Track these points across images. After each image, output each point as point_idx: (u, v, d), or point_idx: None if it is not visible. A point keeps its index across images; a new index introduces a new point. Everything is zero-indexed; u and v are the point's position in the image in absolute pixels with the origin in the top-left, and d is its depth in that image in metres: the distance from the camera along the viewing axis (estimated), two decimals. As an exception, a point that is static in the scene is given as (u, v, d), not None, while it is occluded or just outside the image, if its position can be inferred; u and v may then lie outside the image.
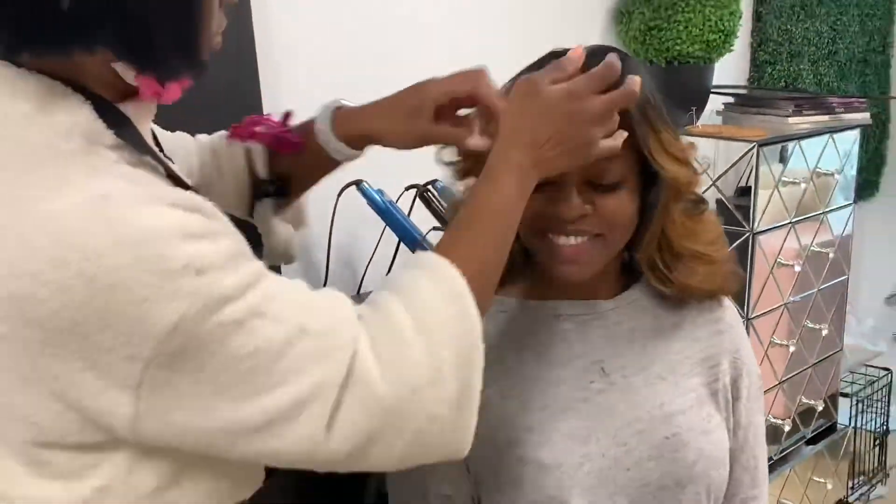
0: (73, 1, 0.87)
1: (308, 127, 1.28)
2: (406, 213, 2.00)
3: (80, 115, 0.92)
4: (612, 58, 1.08)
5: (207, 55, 1.02)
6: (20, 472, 0.93)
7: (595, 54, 1.16)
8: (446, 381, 0.96)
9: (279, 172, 1.31)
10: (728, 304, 1.38)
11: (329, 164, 1.31)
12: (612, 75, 1.07)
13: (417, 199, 2.03)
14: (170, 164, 1.03)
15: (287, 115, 1.33)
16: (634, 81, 1.08)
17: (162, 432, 0.92)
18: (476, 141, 1.15)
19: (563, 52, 1.19)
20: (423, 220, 2.01)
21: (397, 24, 2.29)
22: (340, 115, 1.26)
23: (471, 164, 1.23)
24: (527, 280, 1.33)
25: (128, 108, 0.99)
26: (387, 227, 1.99)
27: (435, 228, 1.99)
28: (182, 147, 1.29)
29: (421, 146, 1.24)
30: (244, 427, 0.91)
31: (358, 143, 1.27)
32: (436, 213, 2.01)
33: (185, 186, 1.01)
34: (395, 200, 1.99)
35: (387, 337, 0.96)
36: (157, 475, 0.95)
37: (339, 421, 0.92)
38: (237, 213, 1.24)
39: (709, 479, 1.26)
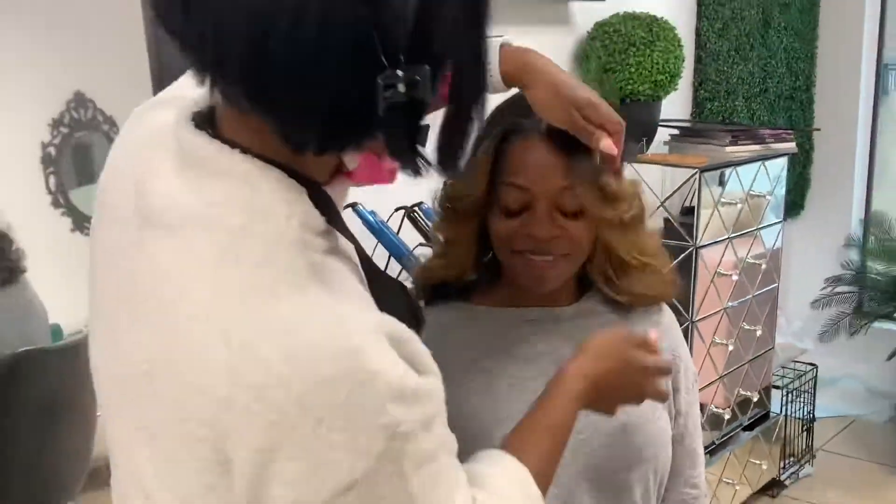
0: (385, 109, 0.71)
1: None
2: (395, 231, 2.00)
3: (302, 205, 0.78)
4: (653, 335, 1.11)
5: None
6: None
7: None
8: None
9: None
10: (667, 309, 1.37)
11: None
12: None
13: (405, 219, 2.02)
14: (356, 242, 0.90)
15: None
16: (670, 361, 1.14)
17: None
18: (608, 143, 1.11)
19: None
20: (410, 237, 2.00)
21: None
22: (506, 54, 1.15)
23: (477, 203, 1.22)
24: (495, 291, 1.32)
25: (333, 189, 0.85)
26: (379, 244, 1.98)
27: (420, 244, 1.98)
28: None
29: (557, 123, 1.14)
30: None
31: (510, 83, 1.16)
32: (421, 232, 2.01)
33: (368, 261, 0.90)
34: (386, 220, 1.98)
35: None
36: None
37: None
38: None
39: (655, 460, 1.26)
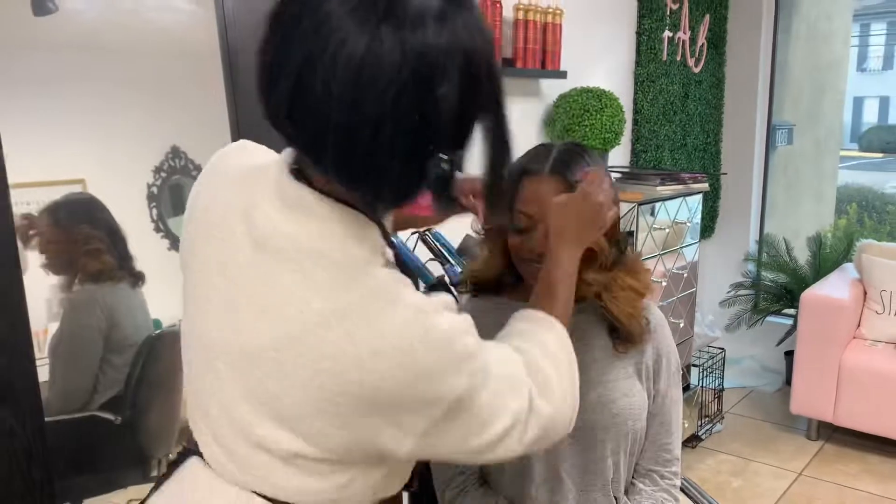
0: (434, 183, 0.77)
1: None
2: (412, 248, 2.00)
3: (377, 238, 0.83)
4: (589, 171, 1.13)
5: None
6: (280, 469, 0.84)
7: (566, 144, 1.23)
8: (569, 397, 0.95)
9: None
10: (655, 310, 1.33)
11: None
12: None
13: (419, 240, 2.03)
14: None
15: None
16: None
17: (420, 455, 0.84)
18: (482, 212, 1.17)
19: (551, 145, 1.22)
20: (422, 254, 2.01)
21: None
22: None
23: (492, 233, 1.26)
24: (519, 289, 1.32)
25: (386, 223, 0.88)
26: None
27: (430, 260, 1.98)
28: None
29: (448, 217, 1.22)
30: (479, 450, 0.85)
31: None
32: (431, 249, 2.01)
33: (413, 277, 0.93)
34: (405, 241, 1.99)
35: (540, 378, 0.92)
36: (380, 472, 0.89)
37: (527, 436, 0.88)
38: None
39: (626, 427, 1.25)
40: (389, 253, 0.86)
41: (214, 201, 0.88)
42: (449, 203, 0.81)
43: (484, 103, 0.80)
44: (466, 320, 0.83)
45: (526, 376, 0.89)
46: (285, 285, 0.79)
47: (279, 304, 0.79)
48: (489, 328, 1.29)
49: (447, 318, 0.80)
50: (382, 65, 0.71)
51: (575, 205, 1.09)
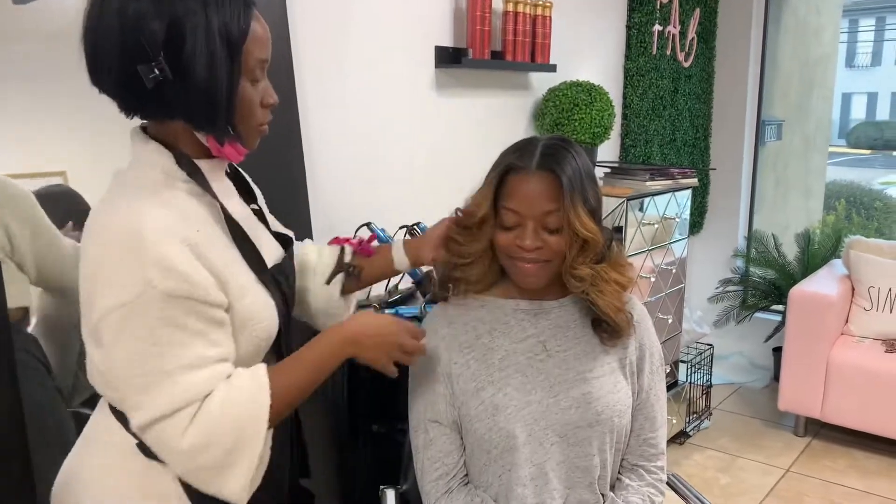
0: (154, 87, 0.96)
1: (385, 247, 1.37)
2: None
3: (165, 161, 1.03)
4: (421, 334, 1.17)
5: (254, 136, 1.08)
6: None
7: (552, 139, 1.22)
8: (213, 448, 0.99)
9: (358, 264, 1.37)
10: (637, 304, 1.34)
11: (389, 271, 1.38)
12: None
13: (407, 234, 2.02)
14: (225, 205, 1.08)
15: (370, 238, 1.41)
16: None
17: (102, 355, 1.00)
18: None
19: (536, 140, 1.22)
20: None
21: (390, 112, 2.29)
22: (409, 245, 1.36)
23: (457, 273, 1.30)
24: (500, 285, 1.33)
25: (202, 163, 1.06)
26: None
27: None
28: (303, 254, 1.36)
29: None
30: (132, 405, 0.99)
31: (416, 261, 1.35)
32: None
33: (237, 226, 1.08)
34: (392, 235, 1.98)
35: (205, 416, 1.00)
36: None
37: (179, 439, 0.98)
38: (321, 283, 1.34)
39: (611, 423, 1.25)
40: (207, 197, 1.05)
41: None
42: (214, 132, 1.03)
43: (175, 12, 0.95)
44: (193, 284, 0.97)
45: (198, 396, 0.98)
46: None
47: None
48: (469, 325, 1.30)
49: (176, 253, 0.95)
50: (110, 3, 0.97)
51: (381, 331, 1.13)
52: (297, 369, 1.07)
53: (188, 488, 1.02)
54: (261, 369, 1.04)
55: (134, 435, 1.01)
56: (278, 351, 1.15)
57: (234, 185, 1.20)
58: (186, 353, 0.97)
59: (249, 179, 1.25)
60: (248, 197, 1.22)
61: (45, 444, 1.25)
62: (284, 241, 1.25)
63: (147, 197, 0.99)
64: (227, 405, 0.99)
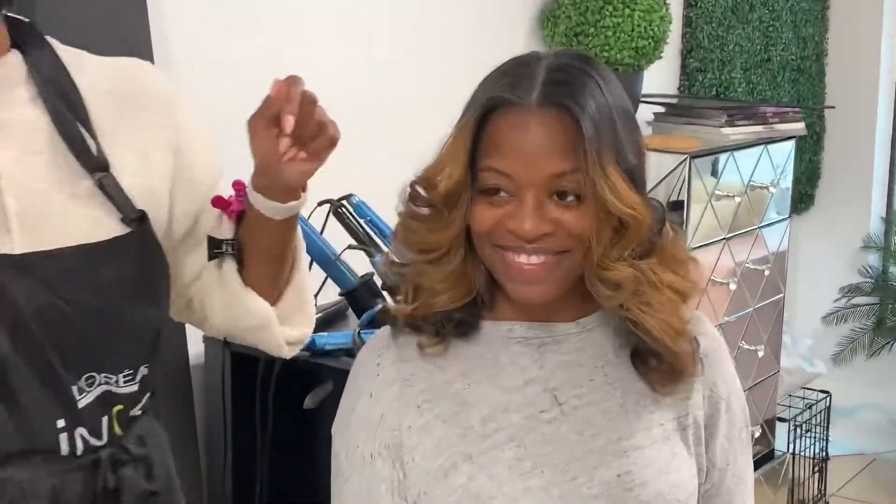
0: None
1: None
2: (319, 230, 1.99)
3: None
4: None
5: None
6: None
7: (562, 54, 1.22)
8: None
9: (238, 237, 1.40)
10: (706, 327, 1.33)
11: (273, 226, 1.39)
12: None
13: (331, 214, 2.02)
14: None
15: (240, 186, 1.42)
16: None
17: None
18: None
19: (538, 57, 1.22)
20: (337, 237, 2.00)
21: (292, 22, 2.29)
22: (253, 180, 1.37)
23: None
24: (495, 300, 1.31)
25: None
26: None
27: (351, 247, 1.97)
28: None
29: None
30: None
31: (278, 192, 1.35)
32: (351, 230, 2.00)
33: None
34: (306, 217, 1.98)
35: None
36: None
37: None
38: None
39: None
40: None
41: None
42: None
43: None
44: None
45: None
46: None
47: None
48: (443, 364, 1.29)
49: None
50: None
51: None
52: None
53: None
54: None
55: None
56: None
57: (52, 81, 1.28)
58: None
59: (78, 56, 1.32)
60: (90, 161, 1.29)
61: None
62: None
63: None
64: None
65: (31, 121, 1.27)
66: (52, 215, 1.27)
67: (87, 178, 1.29)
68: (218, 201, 1.42)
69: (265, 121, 1.26)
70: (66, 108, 1.29)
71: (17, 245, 1.22)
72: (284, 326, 1.45)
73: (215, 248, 1.41)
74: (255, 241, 1.41)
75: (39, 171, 1.27)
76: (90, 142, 1.31)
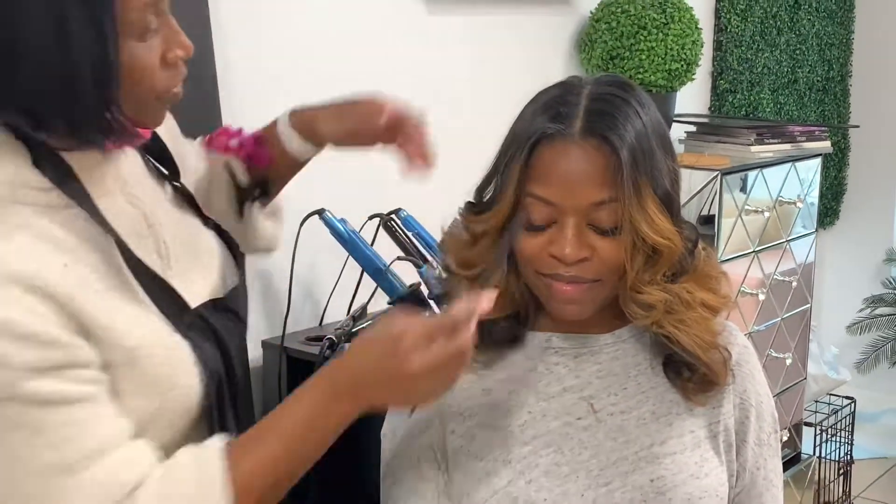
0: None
1: (272, 133, 1.41)
2: (370, 242, 2.00)
3: (12, 163, 1.03)
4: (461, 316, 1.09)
5: (156, 109, 1.12)
6: None
7: (602, 83, 1.22)
8: None
9: (257, 179, 1.42)
10: (737, 337, 1.33)
11: (298, 163, 1.43)
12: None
13: (381, 228, 2.03)
14: (102, 213, 1.08)
15: (258, 137, 1.43)
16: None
17: None
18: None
19: (580, 85, 1.22)
20: (387, 249, 2.00)
21: (355, 42, 2.30)
22: (298, 119, 1.41)
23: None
24: (536, 313, 1.31)
25: (72, 157, 1.06)
26: (350, 257, 1.99)
27: (399, 258, 1.98)
28: (194, 154, 1.42)
29: (364, 147, 1.43)
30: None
31: (315, 139, 1.41)
32: (400, 243, 2.01)
33: (112, 233, 1.08)
34: (358, 230, 1.98)
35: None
36: None
37: None
38: (229, 219, 1.38)
39: None
40: (77, 209, 1.05)
41: None
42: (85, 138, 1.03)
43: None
44: (53, 345, 0.98)
45: (119, 493, 1.01)
46: None
47: None
48: (484, 373, 1.28)
49: (24, 309, 0.97)
50: None
51: (407, 373, 1.07)
52: (270, 443, 1.08)
53: None
54: (212, 448, 1.06)
55: None
56: (213, 429, 1.14)
57: (146, 154, 1.24)
58: (85, 433, 1.00)
59: (162, 136, 1.27)
60: (166, 169, 1.27)
61: None
62: (231, 243, 1.30)
63: None
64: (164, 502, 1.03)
65: (131, 156, 1.22)
66: (192, 246, 1.24)
67: (167, 186, 1.27)
68: (222, 146, 1.43)
69: (388, 105, 1.35)
70: None
71: (187, 289, 1.16)
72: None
73: (246, 194, 1.42)
74: (277, 179, 1.46)
75: (166, 204, 1.25)
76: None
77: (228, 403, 1.17)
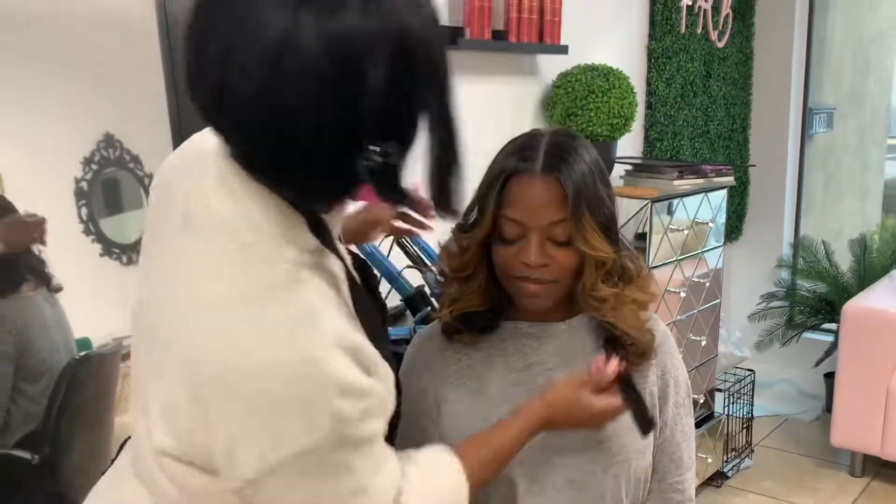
0: (366, 173, 0.82)
1: None
2: (386, 254, 1.99)
3: (298, 230, 0.88)
4: (601, 365, 1.17)
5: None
6: (151, 464, 0.90)
7: (555, 134, 1.21)
8: None
9: None
10: (659, 325, 1.32)
11: None
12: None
13: (394, 244, 2.02)
14: (346, 257, 0.99)
15: None
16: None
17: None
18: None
19: (539, 135, 1.21)
20: (399, 260, 2.00)
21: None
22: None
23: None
24: (508, 308, 1.31)
25: (329, 218, 0.94)
26: (372, 267, 1.97)
27: (408, 266, 1.97)
28: None
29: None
30: None
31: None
32: (408, 255, 2.00)
33: (355, 282, 0.97)
34: (377, 245, 1.97)
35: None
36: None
37: None
38: None
39: (628, 465, 1.24)
40: (332, 259, 0.93)
41: (167, 194, 0.96)
42: (394, 195, 0.85)
43: (422, 91, 0.82)
44: (367, 393, 0.87)
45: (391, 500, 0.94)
46: (192, 260, 0.86)
47: (180, 279, 0.86)
48: (468, 351, 1.27)
49: (345, 367, 0.84)
50: (301, 53, 0.74)
51: (584, 415, 1.16)
52: (493, 445, 1.11)
53: None
54: (448, 457, 1.05)
55: None
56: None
57: None
58: (375, 456, 0.92)
59: None
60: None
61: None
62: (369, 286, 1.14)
63: (289, 286, 0.85)
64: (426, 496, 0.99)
65: None
66: None
67: None
68: None
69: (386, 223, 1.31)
70: None
71: None
72: None
73: None
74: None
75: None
76: None
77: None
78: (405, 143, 0.83)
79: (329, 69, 0.75)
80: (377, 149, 0.79)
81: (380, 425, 0.91)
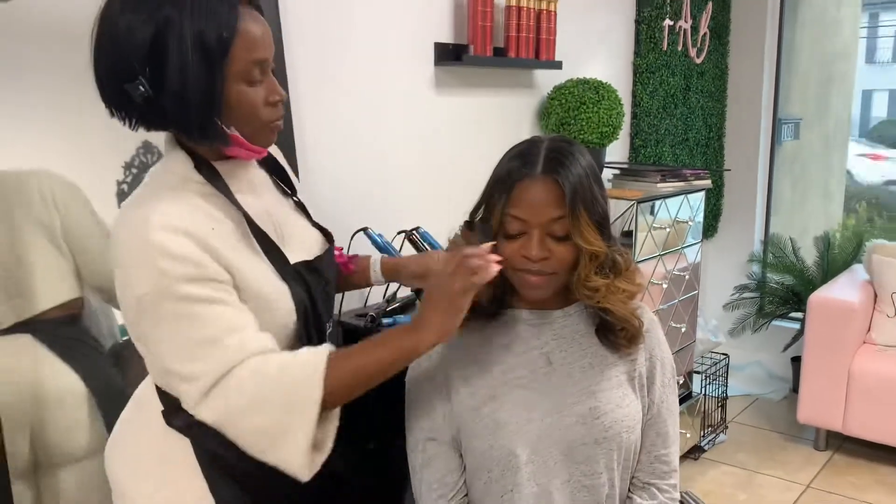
0: (143, 102, 1.04)
1: (363, 265, 1.49)
2: (399, 249, 2.00)
3: (182, 167, 1.13)
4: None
5: (265, 134, 1.15)
6: None
7: (554, 141, 1.23)
8: (260, 415, 1.07)
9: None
10: (647, 312, 1.33)
11: (364, 284, 1.50)
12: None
13: (406, 240, 2.03)
14: (244, 207, 1.14)
15: (352, 257, 1.52)
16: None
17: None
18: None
19: (539, 141, 1.23)
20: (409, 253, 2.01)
21: (385, 111, 2.30)
22: (385, 266, 1.48)
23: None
24: (512, 296, 1.32)
25: (222, 165, 1.16)
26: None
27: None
28: None
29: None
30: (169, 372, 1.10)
31: (392, 281, 1.50)
32: (419, 250, 2.01)
33: (254, 224, 1.15)
34: (391, 241, 1.99)
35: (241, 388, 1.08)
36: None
37: (201, 407, 1.08)
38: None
39: (619, 439, 1.25)
40: (222, 199, 1.13)
41: None
42: (205, 137, 1.10)
43: (158, 25, 1.02)
44: (191, 263, 1.05)
45: (249, 352, 1.07)
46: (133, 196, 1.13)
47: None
48: (475, 337, 1.28)
49: (171, 241, 1.04)
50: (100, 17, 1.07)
51: (436, 283, 1.13)
52: (357, 352, 1.13)
53: (201, 459, 1.13)
54: (323, 347, 1.12)
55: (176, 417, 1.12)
56: (301, 341, 1.21)
57: (277, 176, 1.30)
58: (223, 319, 1.06)
59: (289, 170, 1.33)
60: (290, 188, 1.32)
61: (117, 411, 1.35)
62: (328, 234, 1.33)
63: (162, 196, 1.09)
64: (284, 369, 1.07)
65: (262, 175, 1.27)
66: (299, 234, 1.28)
67: (289, 200, 1.31)
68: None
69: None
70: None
71: (291, 255, 1.20)
72: None
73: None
74: (346, 286, 1.51)
75: (286, 208, 1.29)
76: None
77: (312, 324, 1.22)
78: (162, 73, 1.03)
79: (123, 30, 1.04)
80: (140, 80, 1.02)
81: (217, 294, 1.06)
